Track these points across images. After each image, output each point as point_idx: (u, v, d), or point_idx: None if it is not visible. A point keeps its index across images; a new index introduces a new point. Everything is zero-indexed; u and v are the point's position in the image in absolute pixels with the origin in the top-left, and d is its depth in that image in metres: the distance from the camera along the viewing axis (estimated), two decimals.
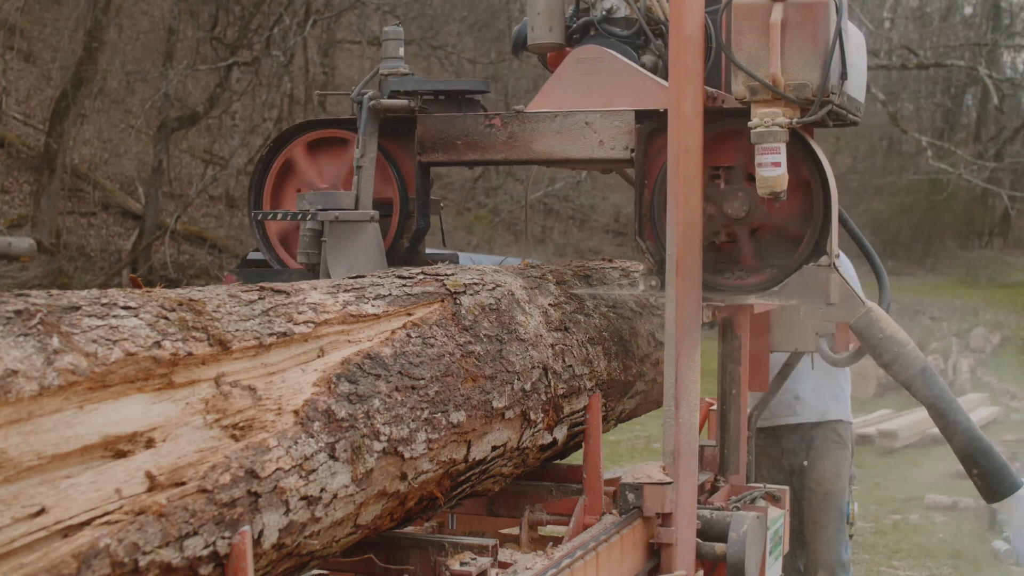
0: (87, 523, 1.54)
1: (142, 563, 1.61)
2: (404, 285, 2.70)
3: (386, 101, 3.53)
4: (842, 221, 3.40)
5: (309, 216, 3.40)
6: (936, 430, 3.15)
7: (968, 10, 30.05)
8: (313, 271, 3.42)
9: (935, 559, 7.39)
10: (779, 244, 3.26)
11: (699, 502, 3.31)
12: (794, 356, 4.00)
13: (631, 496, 3.00)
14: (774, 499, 3.70)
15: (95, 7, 15.92)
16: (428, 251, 3.85)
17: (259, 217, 3.66)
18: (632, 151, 3.31)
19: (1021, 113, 28.16)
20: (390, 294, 2.60)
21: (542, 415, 3.00)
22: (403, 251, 3.71)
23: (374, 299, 2.53)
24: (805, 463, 4.69)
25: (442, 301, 2.75)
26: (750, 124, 3.04)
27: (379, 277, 2.75)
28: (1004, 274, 25.58)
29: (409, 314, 2.60)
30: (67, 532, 1.51)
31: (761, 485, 3.77)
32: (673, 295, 3.08)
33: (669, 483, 3.01)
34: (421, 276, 2.82)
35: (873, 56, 23.88)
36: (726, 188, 3.24)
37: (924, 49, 25.07)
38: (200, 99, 17.75)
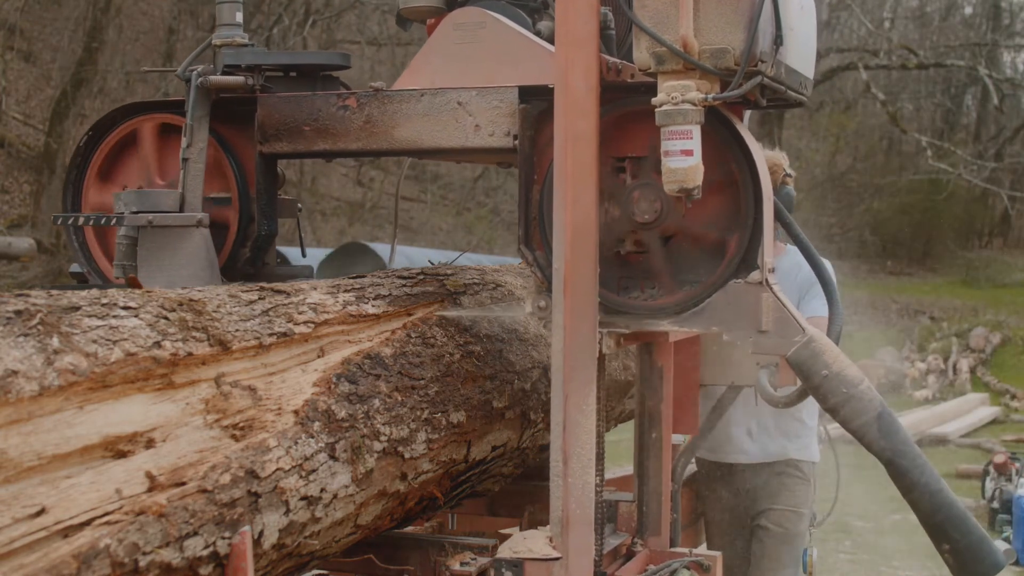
0: (87, 523, 1.54)
1: (142, 563, 1.61)
2: (404, 285, 2.71)
3: (218, 78, 2.85)
4: (784, 223, 2.76)
5: (115, 220, 2.78)
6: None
7: (968, 10, 30.09)
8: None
9: (935, 559, 7.37)
10: (699, 255, 2.56)
11: (606, 575, 2.81)
12: (730, 391, 3.33)
13: (509, 575, 2.41)
14: (702, 568, 3.08)
15: (95, 7, 15.94)
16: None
17: (58, 221, 2.99)
18: (515, 138, 2.62)
19: (1021, 113, 28.20)
20: (390, 294, 2.60)
21: (542, 415, 3.00)
22: (243, 262, 3.00)
23: (374, 299, 2.53)
24: (759, 502, 3.99)
25: (442, 301, 2.75)
26: (654, 101, 2.36)
27: (379, 277, 2.76)
28: (1004, 274, 25.61)
29: (409, 314, 2.60)
30: (67, 532, 1.51)
31: (687, 551, 3.13)
32: (561, 320, 2.39)
33: (556, 559, 2.40)
34: (421, 276, 2.83)
35: (873, 56, 23.92)
36: (631, 184, 2.55)
37: (924, 49, 25.12)
38: None
